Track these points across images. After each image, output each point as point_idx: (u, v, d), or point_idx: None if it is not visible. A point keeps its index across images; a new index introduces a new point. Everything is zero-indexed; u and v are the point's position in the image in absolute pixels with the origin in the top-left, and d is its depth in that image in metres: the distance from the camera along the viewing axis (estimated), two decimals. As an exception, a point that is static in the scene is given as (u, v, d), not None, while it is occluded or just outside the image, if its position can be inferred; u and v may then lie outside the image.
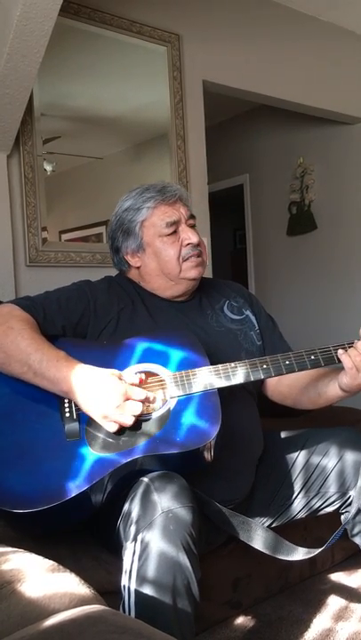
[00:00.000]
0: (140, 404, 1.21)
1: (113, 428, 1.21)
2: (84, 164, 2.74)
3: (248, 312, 1.63)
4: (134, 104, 2.86)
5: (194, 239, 1.50)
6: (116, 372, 1.26)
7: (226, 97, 3.28)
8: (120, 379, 1.24)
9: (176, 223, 1.50)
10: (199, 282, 1.57)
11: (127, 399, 1.21)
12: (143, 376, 1.27)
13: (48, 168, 2.54)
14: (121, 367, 1.32)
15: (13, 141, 2.32)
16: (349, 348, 1.33)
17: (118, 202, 1.57)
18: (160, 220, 1.49)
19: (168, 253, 1.49)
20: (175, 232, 1.50)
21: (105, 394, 1.20)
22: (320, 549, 1.31)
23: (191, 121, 2.96)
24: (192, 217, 1.54)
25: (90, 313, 1.44)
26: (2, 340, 1.28)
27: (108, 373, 1.24)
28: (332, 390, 1.41)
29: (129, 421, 1.20)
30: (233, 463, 1.40)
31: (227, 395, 1.38)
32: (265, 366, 1.34)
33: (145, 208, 1.50)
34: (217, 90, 3.13)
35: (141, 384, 1.26)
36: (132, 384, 1.24)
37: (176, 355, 1.35)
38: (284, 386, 1.58)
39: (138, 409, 1.20)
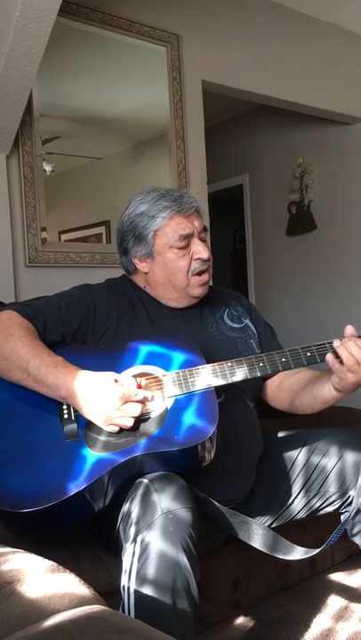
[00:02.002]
0: (140, 405, 1.21)
1: (114, 429, 1.22)
2: (83, 164, 2.74)
3: (247, 321, 1.64)
4: (134, 104, 2.86)
5: (204, 254, 1.50)
6: (113, 375, 1.26)
7: (225, 97, 3.28)
8: (117, 382, 1.24)
9: (189, 237, 1.49)
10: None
11: (126, 402, 1.21)
12: (142, 381, 1.27)
13: (47, 168, 2.55)
14: (120, 370, 1.33)
15: (12, 142, 2.32)
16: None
17: (132, 201, 1.55)
18: (173, 232, 1.48)
19: (177, 265, 1.49)
20: (187, 245, 1.50)
21: (103, 398, 1.21)
22: (319, 549, 1.31)
23: (190, 121, 2.96)
24: (205, 229, 1.54)
25: (89, 319, 1.44)
26: (2, 348, 1.29)
27: (106, 377, 1.24)
28: (327, 392, 1.42)
29: (129, 423, 1.21)
30: (233, 464, 1.40)
31: (224, 396, 1.38)
32: (261, 364, 1.34)
33: (160, 217, 1.48)
34: (216, 90, 3.14)
35: (139, 388, 1.26)
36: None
37: (174, 357, 1.35)
38: (283, 391, 1.58)
39: (137, 410, 1.21)
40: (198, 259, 1.50)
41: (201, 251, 1.50)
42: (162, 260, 1.50)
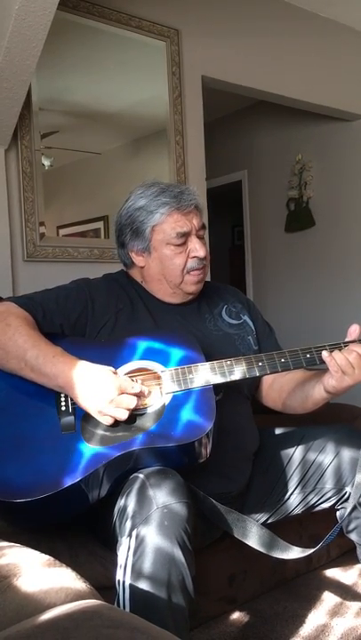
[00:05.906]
0: (135, 397, 1.22)
1: (108, 421, 1.23)
2: (82, 159, 2.73)
3: (246, 317, 1.63)
4: (133, 99, 2.85)
5: (201, 253, 1.49)
6: (111, 368, 1.27)
7: (225, 93, 3.27)
8: (115, 374, 1.26)
9: (186, 234, 1.49)
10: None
11: (122, 393, 1.22)
12: (137, 381, 1.28)
13: (46, 163, 2.54)
14: (119, 364, 1.33)
15: (11, 136, 2.31)
16: (339, 349, 1.33)
17: (132, 194, 1.54)
18: (171, 229, 1.47)
19: (173, 262, 1.49)
20: (184, 242, 1.49)
21: (100, 388, 1.22)
22: (315, 549, 1.31)
23: (190, 116, 2.96)
24: (203, 227, 1.53)
25: (88, 312, 1.45)
26: (0, 338, 1.28)
27: (104, 368, 1.25)
28: (317, 393, 1.42)
29: (123, 416, 1.21)
30: (229, 458, 1.41)
31: (223, 394, 1.38)
32: (260, 364, 1.34)
33: (158, 213, 1.48)
34: (216, 85, 3.13)
35: None
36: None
37: (173, 353, 1.35)
38: (275, 391, 1.59)
39: (132, 403, 1.22)
40: (195, 257, 1.49)
41: (198, 249, 1.49)
42: (158, 255, 1.50)
